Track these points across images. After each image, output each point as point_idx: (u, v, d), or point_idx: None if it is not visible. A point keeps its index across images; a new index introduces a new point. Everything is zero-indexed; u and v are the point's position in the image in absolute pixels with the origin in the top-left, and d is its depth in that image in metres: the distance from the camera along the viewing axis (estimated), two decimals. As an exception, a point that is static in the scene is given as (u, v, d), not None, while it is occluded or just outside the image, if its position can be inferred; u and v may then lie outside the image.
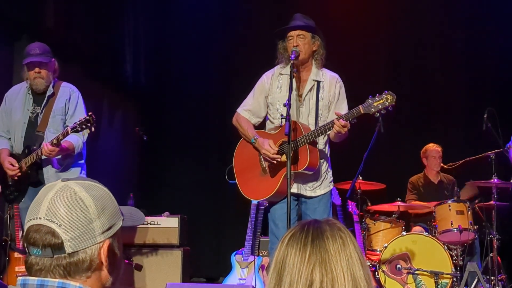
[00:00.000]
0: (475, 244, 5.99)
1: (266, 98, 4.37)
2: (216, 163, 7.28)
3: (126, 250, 5.86)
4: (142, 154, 7.73)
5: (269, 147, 4.14)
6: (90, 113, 4.46)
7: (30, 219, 1.47)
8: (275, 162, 4.16)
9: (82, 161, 4.92)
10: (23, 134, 4.78)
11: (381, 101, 3.87)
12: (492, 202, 5.73)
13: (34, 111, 4.79)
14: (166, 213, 6.22)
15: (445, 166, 6.60)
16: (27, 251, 1.48)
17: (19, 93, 4.88)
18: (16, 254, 5.18)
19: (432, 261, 5.45)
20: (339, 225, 1.50)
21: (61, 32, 6.29)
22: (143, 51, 7.96)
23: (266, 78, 4.39)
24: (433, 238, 5.59)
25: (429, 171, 6.66)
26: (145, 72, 8.00)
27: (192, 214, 6.70)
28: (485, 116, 5.76)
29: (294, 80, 4.11)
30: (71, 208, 1.45)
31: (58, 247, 1.43)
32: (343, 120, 3.89)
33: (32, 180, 4.73)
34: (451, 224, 5.68)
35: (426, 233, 5.75)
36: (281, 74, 4.33)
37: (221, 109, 7.72)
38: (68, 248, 1.43)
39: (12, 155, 4.81)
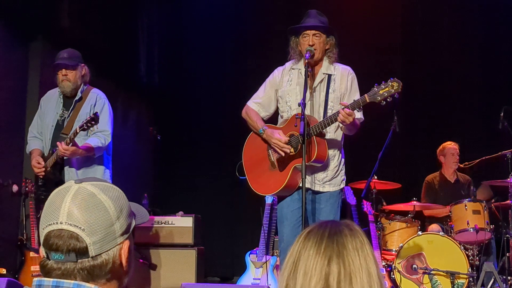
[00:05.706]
0: (492, 244, 5.94)
1: (277, 92, 4.36)
2: (230, 163, 7.24)
3: (140, 250, 5.88)
4: (156, 154, 7.73)
5: (279, 136, 4.12)
6: (95, 112, 4.60)
7: (49, 224, 1.44)
8: (283, 154, 4.11)
9: (105, 162, 4.98)
10: (50, 137, 4.92)
11: (387, 89, 3.80)
12: (508, 201, 5.68)
13: (62, 115, 4.94)
14: (180, 212, 6.21)
15: (461, 165, 6.54)
16: (45, 256, 1.46)
17: (52, 97, 5.04)
18: (32, 254, 5.21)
19: (448, 261, 5.41)
20: (356, 227, 1.55)
21: (75, 32, 6.32)
22: (157, 50, 7.97)
23: (277, 72, 4.39)
24: (449, 238, 5.55)
25: (446, 169, 6.60)
26: (159, 72, 8.02)
27: (206, 213, 6.68)
28: (502, 114, 5.71)
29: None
30: (93, 211, 1.44)
31: (82, 252, 1.42)
32: (348, 109, 3.86)
33: (56, 180, 4.83)
34: (467, 223, 5.63)
35: (442, 232, 5.71)
36: (292, 68, 4.33)
37: (235, 108, 7.67)
38: (92, 252, 1.43)
39: (43, 156, 4.95)
